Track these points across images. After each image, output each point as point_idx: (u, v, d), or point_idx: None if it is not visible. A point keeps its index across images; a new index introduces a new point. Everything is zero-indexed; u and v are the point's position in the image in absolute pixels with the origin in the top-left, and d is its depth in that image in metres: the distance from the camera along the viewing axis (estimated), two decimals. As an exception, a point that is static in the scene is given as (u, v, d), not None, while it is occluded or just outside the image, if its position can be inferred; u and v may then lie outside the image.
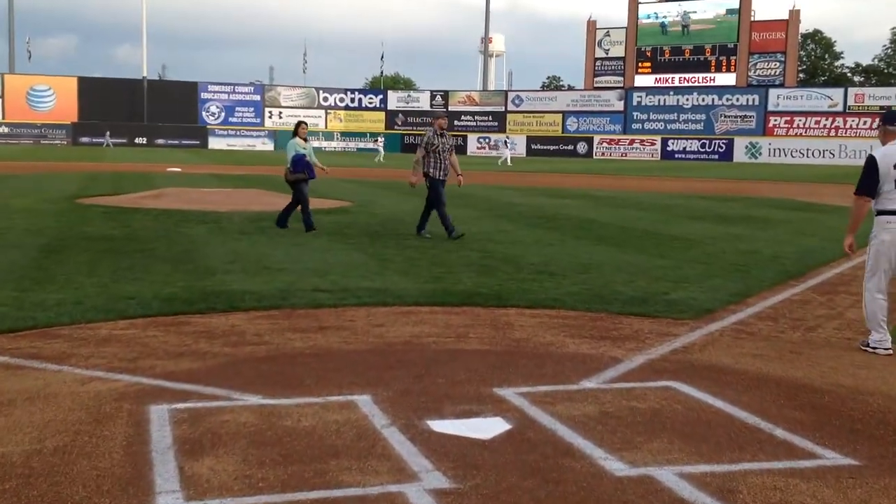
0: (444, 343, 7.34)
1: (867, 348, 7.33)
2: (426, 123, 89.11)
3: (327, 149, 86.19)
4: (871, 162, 7.28)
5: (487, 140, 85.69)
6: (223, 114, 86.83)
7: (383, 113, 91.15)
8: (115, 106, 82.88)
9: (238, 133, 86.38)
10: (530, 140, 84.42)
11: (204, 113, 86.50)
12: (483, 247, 13.27)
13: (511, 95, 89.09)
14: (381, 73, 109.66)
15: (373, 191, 26.18)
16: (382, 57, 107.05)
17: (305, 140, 15.24)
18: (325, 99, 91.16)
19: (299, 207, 14.91)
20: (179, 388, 5.83)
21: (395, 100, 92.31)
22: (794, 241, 14.87)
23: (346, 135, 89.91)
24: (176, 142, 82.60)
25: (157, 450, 4.69)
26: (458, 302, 8.99)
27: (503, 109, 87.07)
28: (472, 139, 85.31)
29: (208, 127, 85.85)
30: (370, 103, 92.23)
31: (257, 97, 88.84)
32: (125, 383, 5.94)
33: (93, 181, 28.78)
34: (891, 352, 7.23)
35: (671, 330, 7.98)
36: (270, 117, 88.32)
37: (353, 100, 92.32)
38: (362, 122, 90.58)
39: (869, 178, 7.27)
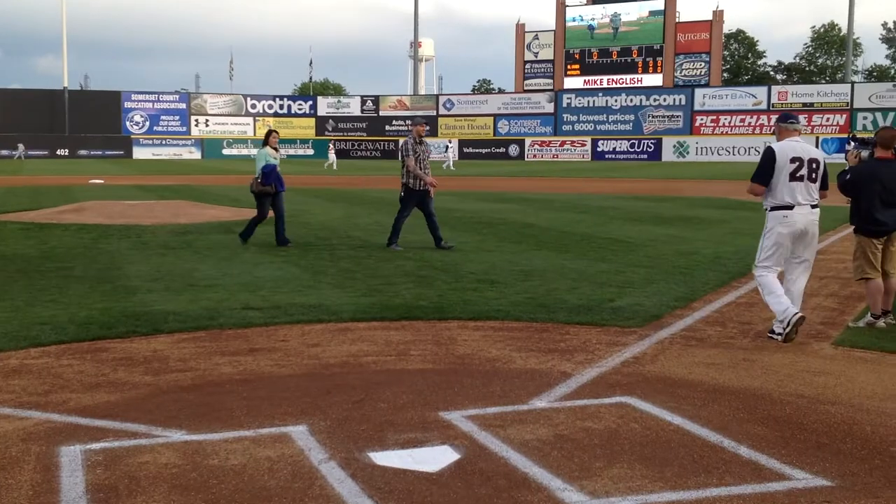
0: (384, 363, 6.91)
1: (773, 335, 7.56)
2: (357, 129, 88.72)
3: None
4: (770, 153, 7.60)
5: (331, 144, 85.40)
6: (148, 123, 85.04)
7: (313, 119, 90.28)
8: (35, 117, 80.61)
9: (164, 142, 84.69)
10: (462, 143, 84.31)
11: (128, 122, 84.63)
12: (420, 255, 12.87)
13: (442, 99, 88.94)
14: (311, 78, 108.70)
15: (304, 199, 25.58)
16: (311, 63, 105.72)
17: (277, 150, 14.38)
18: (254, 106, 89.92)
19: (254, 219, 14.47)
20: (95, 426, 5.30)
21: (325, 106, 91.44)
22: (733, 241, 14.74)
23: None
24: (99, 153, 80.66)
25: (66, 500, 4.18)
26: (397, 316, 8.56)
27: (435, 113, 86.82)
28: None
29: (132, 136, 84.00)
30: (300, 109, 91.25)
31: (183, 105, 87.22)
32: (35, 421, 5.39)
33: (9, 195, 27.65)
34: (800, 314, 7.40)
35: (620, 339, 7.67)
36: (197, 125, 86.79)
37: (282, 106, 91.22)
38: (292, 128, 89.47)
39: (766, 169, 7.58)
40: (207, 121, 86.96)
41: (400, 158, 13.82)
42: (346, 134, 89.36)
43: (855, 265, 8.20)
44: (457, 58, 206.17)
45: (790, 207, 7.53)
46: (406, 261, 12.31)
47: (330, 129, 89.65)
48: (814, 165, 7.60)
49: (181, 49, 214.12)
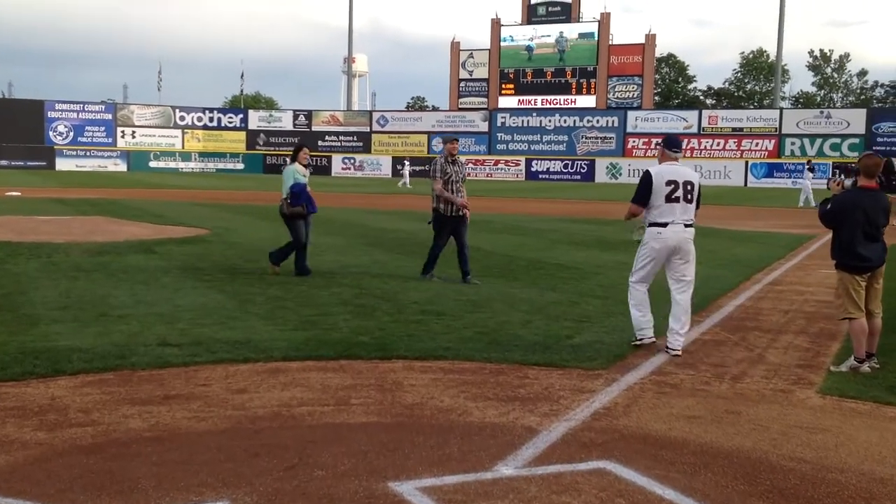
0: (321, 414, 5.99)
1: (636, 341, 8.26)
2: (289, 144, 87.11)
3: (185, 170, 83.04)
4: (647, 177, 8.19)
5: (353, 161, 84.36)
6: (72, 133, 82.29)
7: (244, 133, 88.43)
8: (-49, 126, 77.50)
9: (88, 153, 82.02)
10: (396, 160, 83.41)
11: (51, 133, 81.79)
12: (358, 282, 11.94)
13: (376, 115, 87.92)
14: (242, 92, 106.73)
15: (231, 216, 24.43)
16: (242, 75, 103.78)
17: (306, 166, 12.95)
18: (182, 118, 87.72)
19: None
20: (-37, 505, 4.30)
21: (256, 119, 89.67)
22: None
23: (204, 155, 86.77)
24: (21, 163, 77.71)
25: None
26: (334, 354, 7.63)
27: (368, 130, 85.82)
28: (337, 160, 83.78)
29: (56, 147, 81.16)
30: (230, 123, 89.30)
31: (109, 116, 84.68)
32: None
33: (-83, 207, 25.96)
34: (654, 339, 8.25)
35: (585, 384, 6.86)
36: (123, 137, 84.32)
37: (211, 119, 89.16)
38: (222, 141, 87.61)
39: (643, 191, 8.19)
40: (134, 132, 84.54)
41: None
42: (277, 148, 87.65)
43: (837, 303, 7.52)
44: (390, 74, 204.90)
45: (664, 225, 8.13)
46: (342, 288, 11.38)
47: (261, 143, 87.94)
48: (689, 187, 8.19)
49: (108, 58, 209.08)
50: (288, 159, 12.73)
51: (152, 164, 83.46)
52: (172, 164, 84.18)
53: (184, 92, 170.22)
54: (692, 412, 6.17)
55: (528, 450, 5.29)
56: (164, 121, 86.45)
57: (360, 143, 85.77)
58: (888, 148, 69.76)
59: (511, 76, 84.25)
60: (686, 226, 8.18)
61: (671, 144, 8.46)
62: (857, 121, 72.86)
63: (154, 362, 7.24)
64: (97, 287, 11.01)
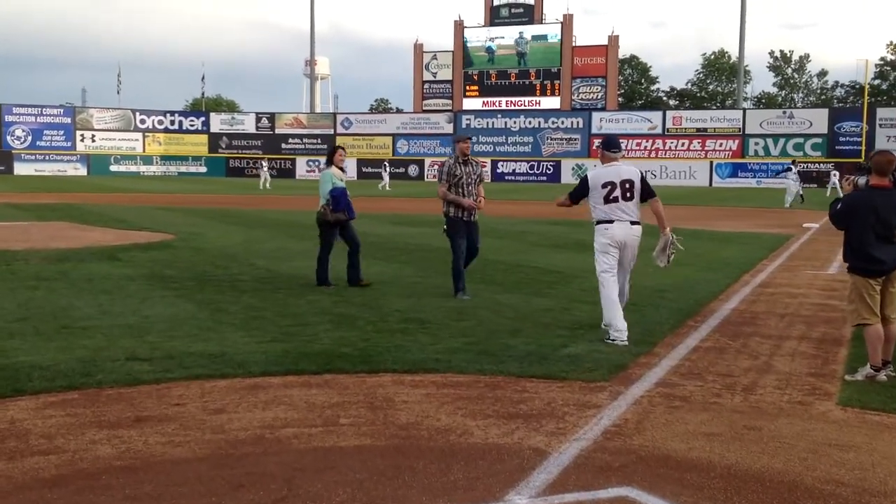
0: (309, 437, 5.47)
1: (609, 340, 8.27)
2: (252, 147, 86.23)
3: (146, 173, 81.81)
4: (584, 180, 8.87)
5: (317, 163, 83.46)
6: (30, 137, 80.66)
7: (206, 136, 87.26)
8: None
9: (47, 157, 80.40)
10: (361, 163, 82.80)
11: (8, 137, 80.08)
12: (335, 289, 11.42)
13: (340, 118, 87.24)
14: (203, 94, 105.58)
15: (196, 220, 23.75)
16: (203, 78, 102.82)
17: (343, 170, 12.17)
18: (143, 121, 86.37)
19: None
20: None
21: (218, 122, 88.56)
22: (669, 272, 13.66)
23: (166, 158, 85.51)
24: (-23, 168, 76.13)
25: None
26: (317, 368, 7.12)
27: (332, 132, 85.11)
28: (301, 162, 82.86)
29: (13, 151, 79.50)
30: (192, 126, 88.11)
31: (68, 120, 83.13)
32: None
33: None
34: (626, 343, 8.17)
35: (590, 399, 6.41)
36: (83, 140, 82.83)
37: (172, 122, 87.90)
38: (183, 145, 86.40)
39: (578, 189, 8.93)
40: (94, 136, 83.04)
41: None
42: (240, 151, 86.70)
43: (850, 309, 7.11)
44: (353, 77, 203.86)
45: (610, 222, 8.60)
46: (320, 296, 10.85)
47: (224, 146, 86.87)
48: (627, 185, 8.59)
49: (66, 61, 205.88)
50: (322, 163, 12.05)
51: (113, 167, 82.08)
52: (134, 168, 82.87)
53: (144, 95, 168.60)
54: (709, 428, 5.73)
55: (540, 475, 4.82)
56: (125, 124, 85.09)
57: (325, 146, 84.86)
58: (851, 147, 70.46)
59: (475, 78, 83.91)
60: (633, 223, 8.63)
61: (609, 146, 8.94)
62: (819, 121, 73.35)
63: (122, 379, 6.69)
64: (58, 297, 10.39)
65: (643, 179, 8.80)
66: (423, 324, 9.03)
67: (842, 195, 7.28)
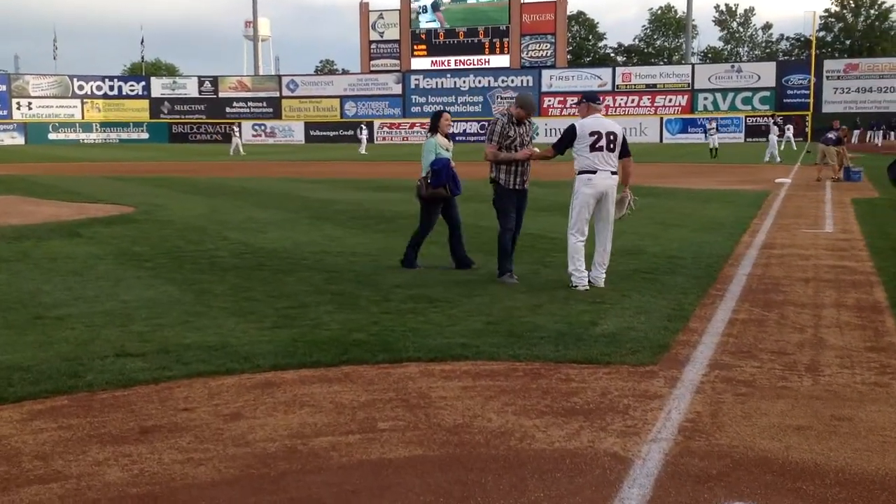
0: (348, 448, 4.74)
1: (572, 286, 8.79)
2: (196, 112, 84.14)
3: (86, 141, 79.52)
4: (571, 129, 8.98)
5: (263, 127, 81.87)
6: (-38, 106, 77.91)
7: (147, 101, 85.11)
8: None
9: (-19, 127, 77.80)
10: (308, 126, 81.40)
11: (-61, 106, 77.27)
12: (323, 263, 10.63)
13: (285, 80, 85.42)
14: (142, 58, 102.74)
15: (153, 191, 22.66)
16: (143, 41, 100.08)
17: (449, 138, 10.54)
18: (81, 87, 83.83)
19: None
20: None
21: (159, 87, 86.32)
22: (667, 234, 13.12)
23: (106, 125, 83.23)
24: None
25: None
26: (333, 359, 6.36)
27: (278, 95, 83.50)
28: (247, 127, 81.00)
29: (-55, 121, 76.77)
30: (132, 91, 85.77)
31: (2, 87, 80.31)
32: None
33: None
34: (587, 287, 8.78)
35: (645, 387, 5.76)
36: (19, 108, 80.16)
37: (112, 87, 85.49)
38: (124, 111, 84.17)
39: (564, 139, 9.04)
40: (31, 103, 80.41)
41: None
42: (183, 116, 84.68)
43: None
44: (295, 38, 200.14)
45: (594, 172, 8.88)
46: (309, 272, 10.05)
47: (166, 111, 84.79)
48: (611, 137, 8.92)
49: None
50: (427, 131, 10.54)
51: (52, 135, 79.75)
52: (73, 136, 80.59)
53: (81, 60, 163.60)
54: (794, 420, 5.11)
55: (632, 489, 4.16)
56: (62, 90, 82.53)
57: (271, 109, 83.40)
58: (798, 100, 70.80)
59: (423, 37, 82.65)
60: (612, 173, 8.96)
61: (593, 98, 9.27)
62: (767, 74, 73.64)
63: (116, 380, 5.88)
64: (23, 281, 9.47)
65: (624, 137, 9.13)
66: (431, 302, 8.30)
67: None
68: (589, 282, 8.94)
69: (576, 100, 68.05)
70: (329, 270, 10.09)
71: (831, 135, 25.67)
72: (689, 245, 11.77)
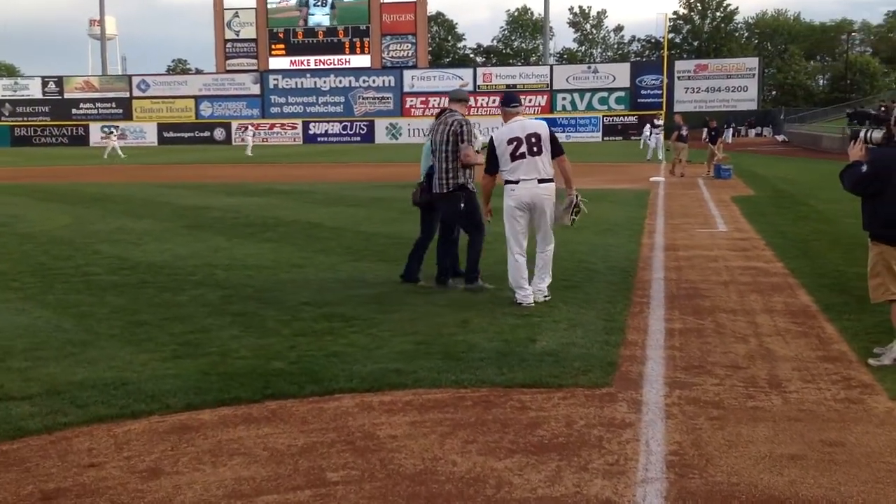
0: (303, 509, 4.03)
1: (518, 304, 7.99)
2: (40, 114, 79.82)
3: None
4: (490, 144, 8.20)
5: (110, 129, 78.36)
6: None
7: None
8: None
9: None
10: (161, 128, 78.45)
11: None
12: (214, 278, 9.73)
13: (136, 80, 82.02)
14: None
15: (7, 199, 20.91)
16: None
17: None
18: (-88, 88, 78.29)
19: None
20: None
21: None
22: (574, 238, 12.47)
23: (-63, 129, 78.09)
24: None
25: None
26: (254, 395, 5.58)
27: (128, 95, 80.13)
28: (95, 129, 77.39)
29: None
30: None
31: None
32: None
33: None
34: (532, 304, 7.96)
35: (610, 413, 5.25)
36: None
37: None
38: (-41, 113, 79.13)
39: (490, 158, 8.19)
40: None
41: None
42: (26, 119, 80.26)
43: (874, 283, 6.22)
44: (142, 37, 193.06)
45: (516, 182, 8.04)
46: (200, 288, 9.14)
47: (7, 113, 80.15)
48: (533, 140, 8.02)
49: None
50: (427, 134, 9.42)
51: None
52: None
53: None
54: (784, 448, 4.68)
55: (645, 544, 3.61)
56: None
57: (120, 110, 79.98)
58: (652, 100, 72.76)
59: (281, 36, 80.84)
60: (540, 181, 8.05)
61: (508, 101, 8.39)
62: (622, 75, 75.42)
63: (4, 432, 4.95)
64: None
65: (552, 134, 8.23)
66: (347, 320, 7.59)
67: (851, 155, 6.35)
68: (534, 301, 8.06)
69: (437, 100, 67.29)
70: (223, 287, 9.21)
71: (683, 132, 27.25)
72: (596, 249, 11.44)
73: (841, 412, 5.25)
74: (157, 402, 5.43)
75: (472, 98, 9.24)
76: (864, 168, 6.07)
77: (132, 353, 6.59)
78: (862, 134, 6.29)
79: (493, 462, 4.53)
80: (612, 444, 4.76)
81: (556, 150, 8.18)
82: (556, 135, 8.40)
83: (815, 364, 6.25)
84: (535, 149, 8.03)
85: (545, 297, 8.21)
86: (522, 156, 8.01)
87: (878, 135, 6.23)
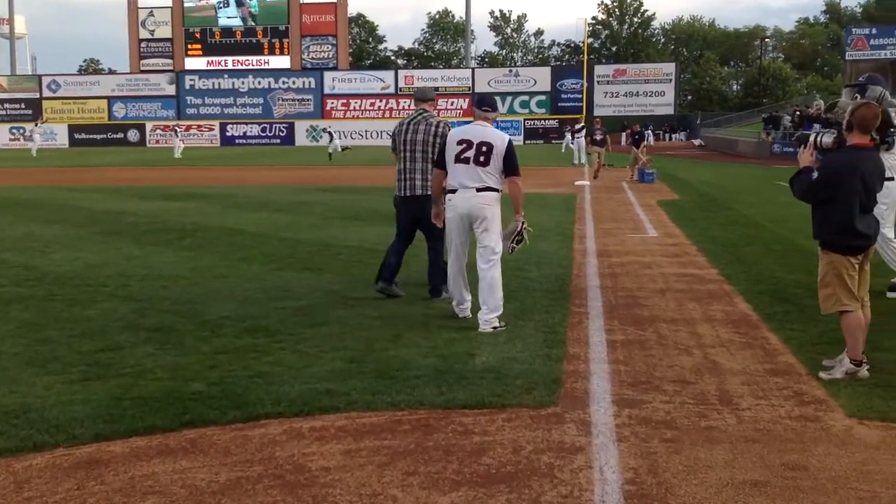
0: (228, 560, 3.58)
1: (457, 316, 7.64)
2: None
3: None
4: (444, 138, 7.84)
5: (21, 130, 75.77)
6: None
7: None
8: None
9: None
10: (73, 129, 76.20)
11: None
12: (128, 290, 9.13)
13: (46, 80, 79.61)
14: None
15: None
16: None
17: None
18: None
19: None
20: None
21: None
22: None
23: None
24: None
25: None
26: (171, 423, 5.09)
27: (38, 96, 77.76)
28: (4, 130, 74.83)
29: None
30: None
31: None
32: None
33: None
34: (469, 316, 7.58)
35: (558, 437, 4.91)
36: None
37: None
38: None
39: (440, 152, 7.71)
40: None
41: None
42: (-68, 121, 77.26)
43: (825, 294, 5.98)
44: (53, 36, 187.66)
45: (454, 191, 7.49)
46: (112, 301, 8.54)
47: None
48: (484, 149, 7.37)
49: None
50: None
51: None
52: None
53: None
54: (745, 474, 4.39)
55: (612, 592, 3.27)
56: None
57: (30, 112, 77.37)
58: (572, 104, 73.32)
59: (198, 36, 79.32)
60: (479, 190, 7.39)
61: (480, 103, 7.80)
62: (542, 79, 75.87)
63: None
64: None
65: (509, 151, 7.43)
66: (272, 335, 7.12)
67: (801, 161, 6.12)
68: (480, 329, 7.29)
69: (359, 102, 66.19)
70: (137, 299, 8.63)
71: (598, 136, 28.15)
72: (529, 255, 11.12)
73: (798, 431, 5.00)
74: (63, 433, 4.90)
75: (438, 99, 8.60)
76: (815, 174, 5.86)
77: (36, 374, 6.03)
78: (812, 139, 6.08)
79: (438, 497, 4.14)
80: (563, 472, 4.42)
81: (510, 169, 7.42)
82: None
83: (765, 378, 6.01)
84: (481, 158, 7.33)
85: (493, 327, 7.23)
86: (466, 161, 7.36)
87: (828, 139, 6.03)
